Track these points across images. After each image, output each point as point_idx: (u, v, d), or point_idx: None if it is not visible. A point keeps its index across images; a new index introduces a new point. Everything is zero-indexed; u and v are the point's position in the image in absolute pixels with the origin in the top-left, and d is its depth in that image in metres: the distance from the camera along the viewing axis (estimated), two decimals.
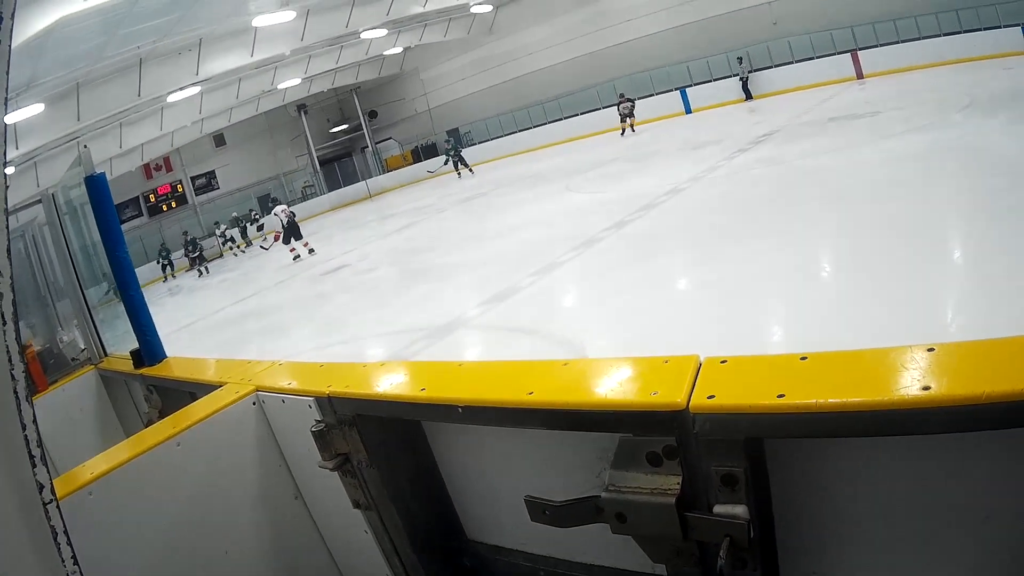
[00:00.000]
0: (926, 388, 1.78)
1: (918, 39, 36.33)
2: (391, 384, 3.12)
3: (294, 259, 27.97)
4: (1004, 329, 1.98)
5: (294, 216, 28.80)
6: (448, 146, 42.18)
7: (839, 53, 38.46)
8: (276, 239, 29.80)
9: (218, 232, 43.14)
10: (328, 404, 3.17)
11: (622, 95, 40.40)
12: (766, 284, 10.22)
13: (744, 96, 39.54)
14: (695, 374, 2.21)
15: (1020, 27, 33.03)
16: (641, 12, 45.56)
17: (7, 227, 1.89)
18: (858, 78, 37.34)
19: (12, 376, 1.90)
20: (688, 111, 42.02)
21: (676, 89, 43.07)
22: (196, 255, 38.19)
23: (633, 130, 39.22)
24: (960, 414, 1.72)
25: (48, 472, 1.96)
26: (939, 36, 35.58)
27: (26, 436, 1.92)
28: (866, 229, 11.27)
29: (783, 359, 2.15)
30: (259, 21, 30.71)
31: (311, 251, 28.33)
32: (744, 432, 2.03)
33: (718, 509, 2.09)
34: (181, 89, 33.05)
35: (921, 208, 11.79)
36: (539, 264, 14.50)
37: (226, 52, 32.30)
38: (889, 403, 1.81)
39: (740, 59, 39.20)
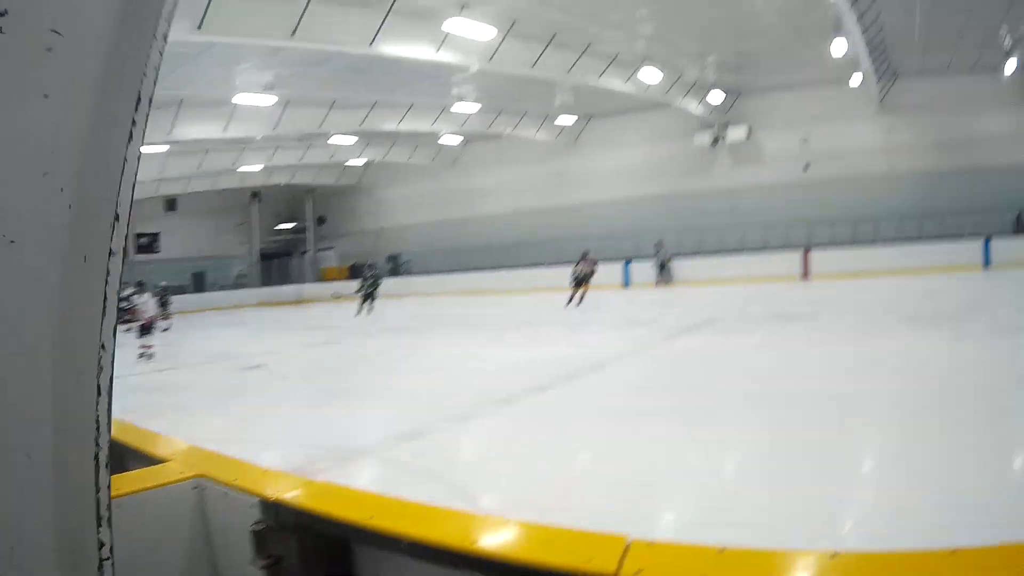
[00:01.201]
0: None
1: (874, 243, 38.05)
2: (335, 503, 3.26)
3: (139, 356, 24.32)
4: (904, 541, 2.28)
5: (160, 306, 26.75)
6: (369, 273, 38.89)
7: (790, 248, 39.86)
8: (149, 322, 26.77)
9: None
10: (273, 508, 3.28)
11: (586, 253, 35.46)
12: (684, 472, 10.32)
13: (657, 280, 40.03)
14: (624, 550, 2.41)
15: (982, 241, 34.93)
16: (605, 175, 47.35)
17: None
18: (804, 277, 38.46)
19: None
20: (627, 284, 42.60)
21: (621, 260, 43.43)
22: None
23: (580, 300, 34.48)
24: None
25: None
26: (896, 241, 37.22)
27: None
28: (787, 431, 11.49)
29: (702, 548, 2.41)
30: (240, 99, 31.13)
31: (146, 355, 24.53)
32: None
33: None
34: (150, 144, 33.18)
35: (847, 418, 12.04)
36: (453, 412, 14.47)
37: (203, 119, 32.83)
38: None
39: (659, 243, 39.40)
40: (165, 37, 2.02)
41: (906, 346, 17.92)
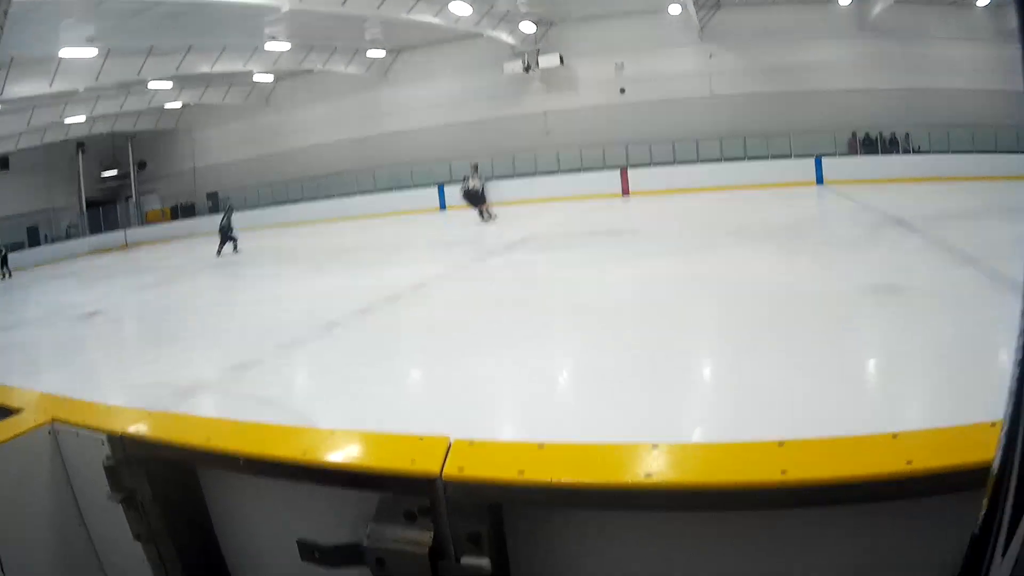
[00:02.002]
0: (648, 475, 2.16)
1: (695, 162, 38.38)
2: (178, 430, 3.34)
3: None
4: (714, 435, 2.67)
5: None
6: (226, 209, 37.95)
7: (609, 168, 40.23)
8: None
9: None
10: (120, 443, 3.26)
11: (476, 166, 35.53)
12: (504, 381, 11.33)
13: (467, 203, 35.74)
14: (447, 450, 2.52)
15: (814, 159, 35.38)
16: (417, 105, 47.35)
17: None
18: (624, 195, 38.99)
19: None
20: (443, 207, 43.19)
21: (434, 185, 44.33)
22: None
23: (490, 215, 34.54)
24: (676, 497, 2.13)
25: None
26: (719, 161, 37.63)
27: None
28: (610, 340, 12.50)
29: (524, 445, 2.49)
30: (64, 52, 31.53)
31: None
32: (488, 498, 2.38)
33: (465, 560, 2.43)
34: None
35: (662, 328, 13.01)
36: (283, 339, 15.02)
37: (29, 76, 32.54)
38: (612, 484, 2.19)
39: (474, 166, 35.98)
40: None
41: (734, 259, 18.69)
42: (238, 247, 34.84)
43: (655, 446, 2.31)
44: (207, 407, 11.86)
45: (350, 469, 2.68)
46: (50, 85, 33.68)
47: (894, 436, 2.11)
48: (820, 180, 35.87)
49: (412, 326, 15.69)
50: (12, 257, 41.70)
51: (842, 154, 37.30)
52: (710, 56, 41.57)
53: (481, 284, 19.36)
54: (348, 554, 2.65)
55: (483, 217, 34.13)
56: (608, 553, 2.48)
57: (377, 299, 17.96)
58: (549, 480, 2.28)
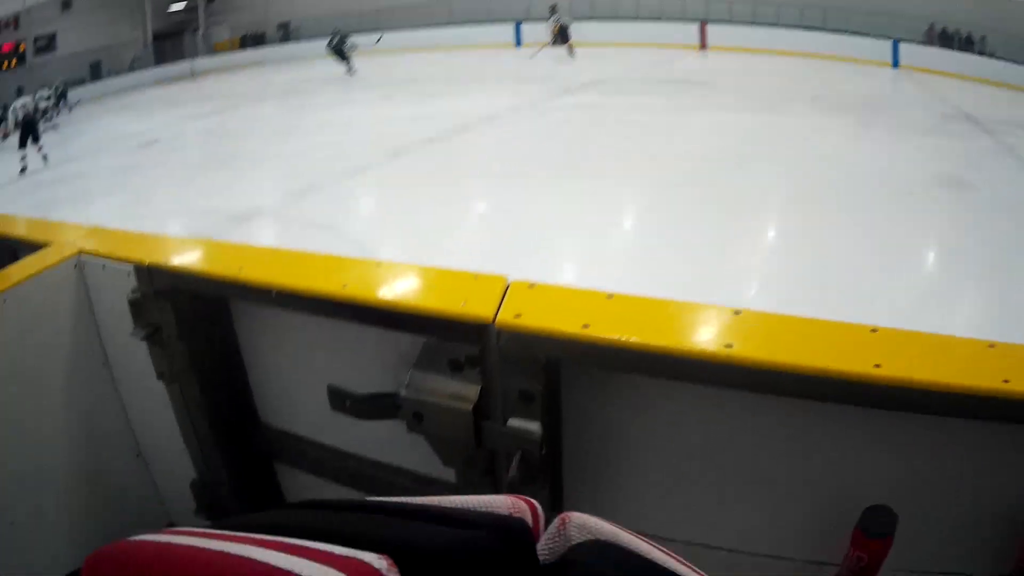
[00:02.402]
0: (728, 345, 1.92)
1: (774, 25, 36.58)
2: (209, 260, 3.12)
3: (20, 172, 21.44)
4: (799, 307, 2.15)
5: (36, 114, 23.73)
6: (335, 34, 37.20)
7: (688, 20, 38.43)
8: (3, 137, 26.10)
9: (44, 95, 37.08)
10: (146, 273, 3.09)
11: (554, 6, 35.11)
12: (577, 223, 10.70)
13: (553, 41, 36.20)
14: (503, 292, 2.30)
15: (892, 41, 33.78)
16: None
17: None
18: (701, 48, 37.43)
19: None
20: (518, 44, 41.90)
21: (511, 21, 42.88)
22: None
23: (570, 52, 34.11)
24: (758, 376, 1.88)
25: None
26: (798, 28, 35.92)
27: None
28: (677, 190, 11.89)
29: (590, 293, 2.25)
30: None
31: (45, 158, 22.04)
32: (545, 353, 2.15)
33: (512, 422, 2.23)
34: None
35: (742, 185, 12.37)
36: (348, 165, 14.72)
37: None
38: (689, 352, 1.95)
39: (553, 7, 36.06)
40: None
41: (809, 126, 17.84)
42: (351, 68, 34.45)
43: (737, 312, 2.07)
44: (262, 234, 11.72)
45: (392, 308, 2.43)
46: None
47: (991, 346, 1.84)
48: (896, 63, 34.19)
49: (477, 158, 15.23)
50: (74, 93, 40.67)
51: (919, 43, 35.24)
52: None
53: (554, 122, 18.66)
54: (382, 405, 2.49)
55: (569, 53, 33.77)
56: (672, 428, 2.31)
57: (445, 128, 17.46)
58: (618, 338, 2.02)
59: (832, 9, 35.94)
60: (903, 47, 34.03)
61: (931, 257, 10.44)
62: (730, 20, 38.11)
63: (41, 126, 23.68)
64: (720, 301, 2.09)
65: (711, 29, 37.80)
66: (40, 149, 21.82)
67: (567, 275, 9.16)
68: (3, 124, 34.18)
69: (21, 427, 3.29)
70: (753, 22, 37.50)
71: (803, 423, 2.07)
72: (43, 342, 3.39)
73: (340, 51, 35.51)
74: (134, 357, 3.32)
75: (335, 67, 34.83)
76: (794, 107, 20.11)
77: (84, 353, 3.55)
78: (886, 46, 33.98)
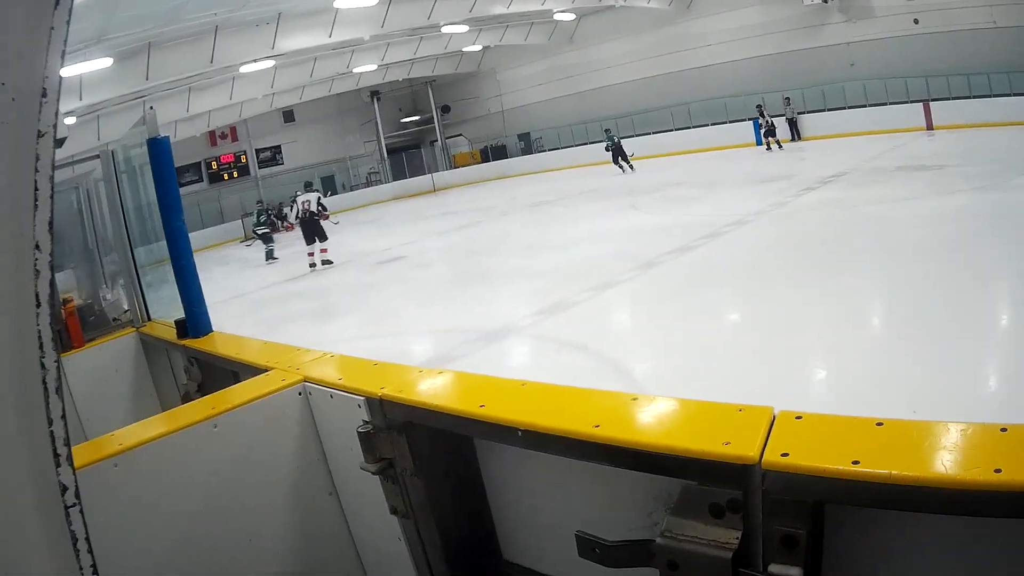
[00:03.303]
0: (997, 471, 1.71)
1: (990, 96, 36.00)
2: (447, 395, 3.04)
3: (310, 267, 23.66)
4: None
5: (317, 212, 23.99)
6: (608, 136, 39.92)
7: (912, 102, 38.27)
8: (288, 230, 27.57)
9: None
10: (379, 406, 3.09)
11: (608, 130, 38.95)
12: (833, 335, 9.76)
13: (791, 136, 39.30)
14: (768, 428, 2.14)
15: None
16: (721, 39, 46.03)
17: (52, 197, 1.71)
18: (927, 129, 36.95)
19: (42, 365, 1.75)
20: (759, 143, 41.13)
21: (748, 120, 42.43)
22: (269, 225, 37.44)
23: (780, 146, 37.41)
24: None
25: (73, 474, 1.83)
26: (1010, 95, 35.18)
27: (52, 432, 1.79)
28: (932, 289, 10.80)
29: (858, 421, 2.07)
30: (340, 3, 30.78)
31: (326, 262, 23.72)
32: (814, 495, 1.97)
33: (773, 569, 2.01)
34: (255, 61, 33.25)
35: (990, 271, 11.36)
36: (596, 280, 14.27)
37: (304, 30, 32.39)
38: (957, 482, 1.74)
39: (787, 99, 38.77)
40: None
41: None
42: None
43: (1004, 428, 1.85)
44: (515, 353, 11.49)
45: (648, 449, 2.25)
46: (329, 36, 33.38)
47: None
48: None
49: (729, 264, 14.67)
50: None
51: None
52: None
53: (799, 223, 18.04)
54: (635, 552, 2.31)
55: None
56: (938, 565, 2.02)
57: (694, 238, 17.01)
58: (888, 474, 1.82)
59: None
60: None
61: None
62: (949, 96, 37.90)
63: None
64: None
65: (935, 107, 37.55)
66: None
67: (834, 395, 8.18)
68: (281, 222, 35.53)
69: (241, 550, 3.43)
70: (971, 96, 37.10)
71: None
72: (265, 467, 3.52)
73: (619, 153, 36.87)
74: (364, 488, 3.36)
75: (594, 175, 35.92)
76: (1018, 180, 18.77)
77: (310, 481, 3.66)
78: None
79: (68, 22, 1.67)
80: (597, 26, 50.09)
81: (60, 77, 1.68)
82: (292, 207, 25.01)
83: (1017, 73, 34.95)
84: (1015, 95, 34.73)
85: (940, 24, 38.93)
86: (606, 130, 37.64)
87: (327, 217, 24.11)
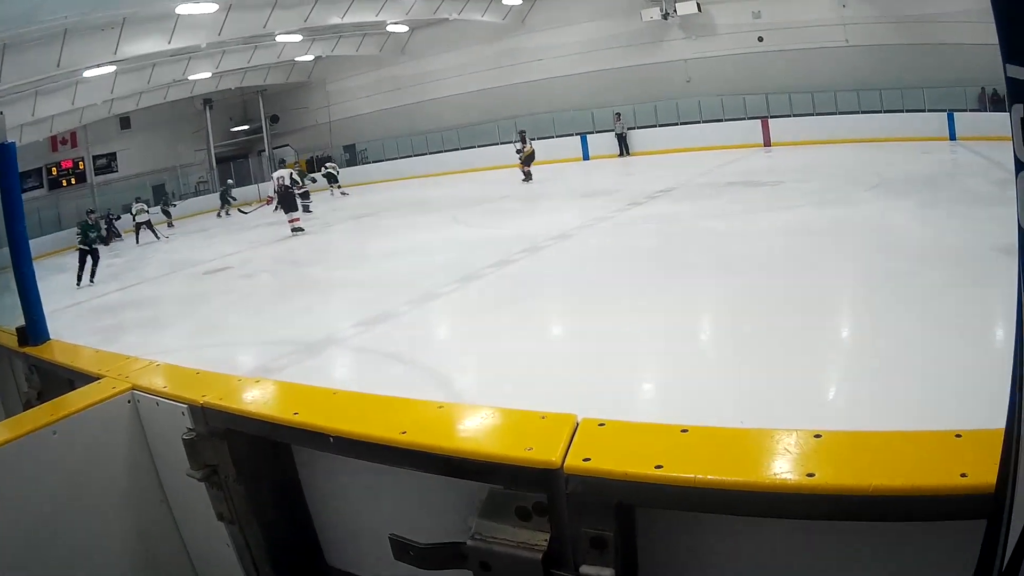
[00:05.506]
0: (810, 475, 1.83)
1: (834, 114, 37.11)
2: (264, 402, 3.10)
3: (292, 231, 27.11)
4: (890, 419, 2.01)
5: (290, 185, 27.12)
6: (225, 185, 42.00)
7: (750, 118, 39.11)
8: (268, 202, 28.79)
9: (133, 211, 39.25)
10: (201, 413, 3.14)
11: (523, 132, 36.58)
12: (646, 346, 10.26)
13: (619, 151, 40.55)
14: (571, 434, 2.25)
15: (947, 113, 33.92)
16: (558, 54, 46.20)
17: None
18: (765, 146, 37.82)
19: None
20: (586, 157, 42.33)
21: (577, 134, 43.33)
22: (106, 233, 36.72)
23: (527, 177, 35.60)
24: (844, 503, 1.78)
25: None
26: (857, 113, 36.31)
27: None
28: (754, 301, 11.40)
29: (663, 428, 2.20)
30: (182, 8, 30.58)
31: (296, 230, 27.16)
32: (617, 497, 2.07)
33: (585, 570, 2.13)
34: (98, 66, 32.86)
35: (815, 284, 11.99)
36: (418, 292, 14.57)
37: (146, 35, 32.02)
38: (770, 485, 1.87)
39: (618, 114, 39.68)
40: None
41: (875, 211, 17.64)
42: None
43: (818, 435, 2.00)
44: (336, 364, 11.74)
45: (454, 455, 2.38)
46: (169, 42, 33.18)
47: None
48: (953, 136, 34.12)
49: (550, 276, 15.25)
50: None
51: (972, 109, 35.39)
52: (843, 5, 39.66)
53: (622, 236, 18.61)
54: (447, 555, 2.41)
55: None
56: (757, 566, 2.18)
57: (516, 251, 17.43)
58: (693, 478, 1.95)
59: (886, 88, 36.53)
60: (957, 116, 34.40)
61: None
62: (791, 113, 38.85)
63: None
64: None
65: (773, 124, 38.58)
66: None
67: (638, 404, 8.61)
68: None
69: (81, 556, 3.41)
70: (813, 112, 38.27)
71: (897, 547, 1.95)
72: (100, 474, 3.48)
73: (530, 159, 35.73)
74: (193, 495, 3.36)
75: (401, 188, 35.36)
76: (860, 196, 19.76)
77: (142, 489, 3.63)
78: (942, 119, 34.28)
79: None
80: (430, 39, 50.07)
81: None
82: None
83: (866, 91, 36.37)
84: (863, 112, 36.25)
85: (787, 42, 40.06)
86: (520, 131, 36.83)
87: (303, 188, 28.50)
